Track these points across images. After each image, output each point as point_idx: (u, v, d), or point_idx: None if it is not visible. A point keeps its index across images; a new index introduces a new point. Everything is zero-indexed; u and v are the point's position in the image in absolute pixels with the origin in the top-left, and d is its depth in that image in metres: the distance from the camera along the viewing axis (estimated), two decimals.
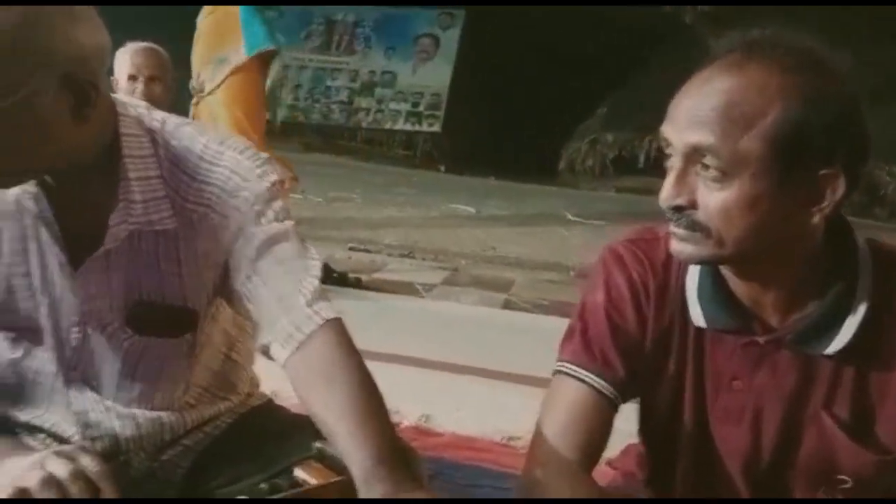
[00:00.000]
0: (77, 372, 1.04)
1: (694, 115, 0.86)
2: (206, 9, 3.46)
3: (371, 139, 9.55)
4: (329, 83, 9.58)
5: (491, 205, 6.52)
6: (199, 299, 1.04)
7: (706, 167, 0.86)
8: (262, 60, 3.34)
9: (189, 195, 1.00)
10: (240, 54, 3.29)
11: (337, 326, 0.98)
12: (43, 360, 1.04)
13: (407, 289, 3.76)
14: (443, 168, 8.89)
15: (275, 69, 3.48)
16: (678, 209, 0.88)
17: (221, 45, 3.31)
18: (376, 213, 5.80)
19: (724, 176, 0.85)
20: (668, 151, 0.89)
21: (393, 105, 9.44)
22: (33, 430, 1.07)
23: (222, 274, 1.02)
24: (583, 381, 0.97)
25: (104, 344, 1.03)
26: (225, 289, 1.04)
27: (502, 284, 3.97)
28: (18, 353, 1.04)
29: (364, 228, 5.12)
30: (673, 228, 0.90)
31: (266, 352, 1.00)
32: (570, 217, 6.18)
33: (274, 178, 1.03)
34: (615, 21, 8.35)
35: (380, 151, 9.38)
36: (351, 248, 4.53)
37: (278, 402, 1.24)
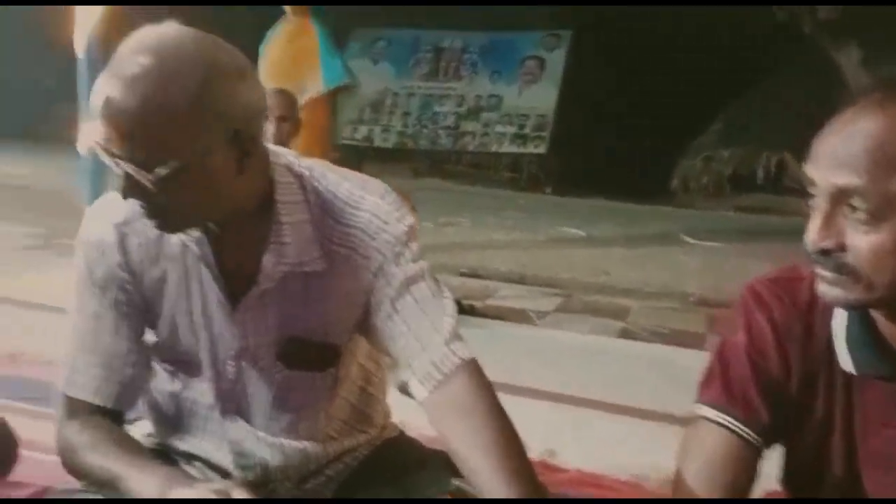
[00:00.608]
0: (232, 403, 1.11)
1: (839, 156, 0.84)
2: (277, 36, 3.80)
3: (477, 163, 9.61)
4: (437, 109, 9.74)
5: (601, 227, 6.38)
6: (341, 335, 1.09)
7: (854, 209, 0.83)
8: (333, 94, 3.87)
9: (334, 237, 1.05)
10: (318, 85, 3.73)
11: (473, 366, 1.02)
12: (201, 392, 1.11)
13: (520, 316, 3.72)
14: (549, 190, 8.84)
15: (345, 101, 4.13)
16: (825, 252, 0.86)
17: (300, 75, 3.69)
18: (484, 236, 5.80)
19: (873, 218, 0.83)
20: (812, 192, 0.87)
21: (499, 128, 9.48)
22: (191, 457, 1.15)
23: (363, 312, 1.07)
24: (724, 426, 0.95)
25: (257, 377, 1.09)
26: (365, 325, 1.08)
27: (618, 311, 3.86)
28: (178, 386, 1.12)
29: (473, 253, 5.12)
30: (820, 271, 0.88)
31: (404, 389, 1.05)
32: (685, 239, 5.96)
33: (411, 220, 1.08)
34: (727, 35, 8.09)
35: (486, 175, 9.42)
36: (462, 274, 4.57)
37: (407, 432, 1.28)
